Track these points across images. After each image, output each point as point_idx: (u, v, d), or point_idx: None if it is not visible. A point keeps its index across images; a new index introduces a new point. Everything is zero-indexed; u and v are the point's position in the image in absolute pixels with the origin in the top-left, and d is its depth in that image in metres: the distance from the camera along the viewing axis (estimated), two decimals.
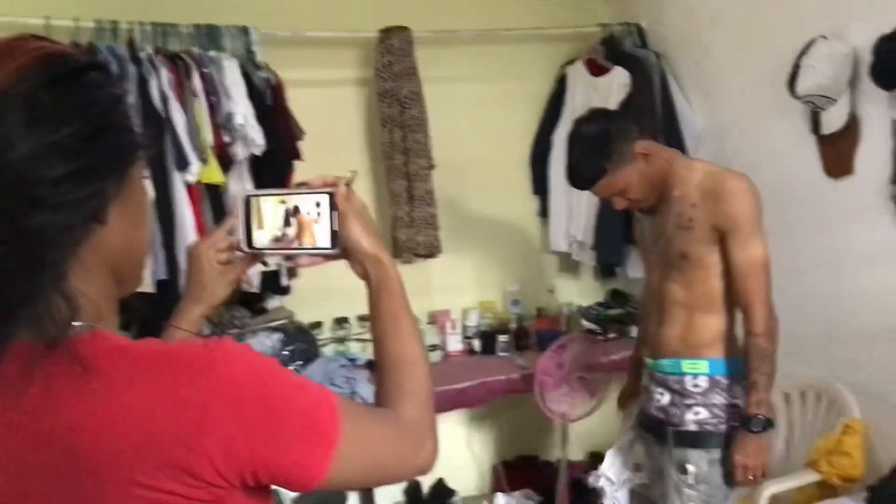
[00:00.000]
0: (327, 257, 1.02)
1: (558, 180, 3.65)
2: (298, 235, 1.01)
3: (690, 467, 2.17)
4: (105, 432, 0.69)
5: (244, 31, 2.92)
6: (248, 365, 0.74)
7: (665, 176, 2.16)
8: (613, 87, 3.37)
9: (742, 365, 2.16)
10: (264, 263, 1.12)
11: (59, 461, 0.70)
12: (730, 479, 2.15)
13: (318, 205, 1.00)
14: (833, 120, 2.60)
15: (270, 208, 1.02)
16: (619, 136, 2.14)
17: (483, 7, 3.57)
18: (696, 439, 2.17)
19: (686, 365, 2.20)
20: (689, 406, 2.18)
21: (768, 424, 2.08)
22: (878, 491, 2.18)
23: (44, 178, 0.67)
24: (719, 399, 2.17)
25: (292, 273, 3.04)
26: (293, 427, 0.75)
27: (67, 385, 0.70)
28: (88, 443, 0.69)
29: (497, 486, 3.57)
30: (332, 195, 0.99)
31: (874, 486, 2.20)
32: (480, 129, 3.63)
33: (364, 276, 1.01)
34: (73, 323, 0.70)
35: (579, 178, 2.24)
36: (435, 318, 3.59)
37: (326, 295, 3.32)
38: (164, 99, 2.59)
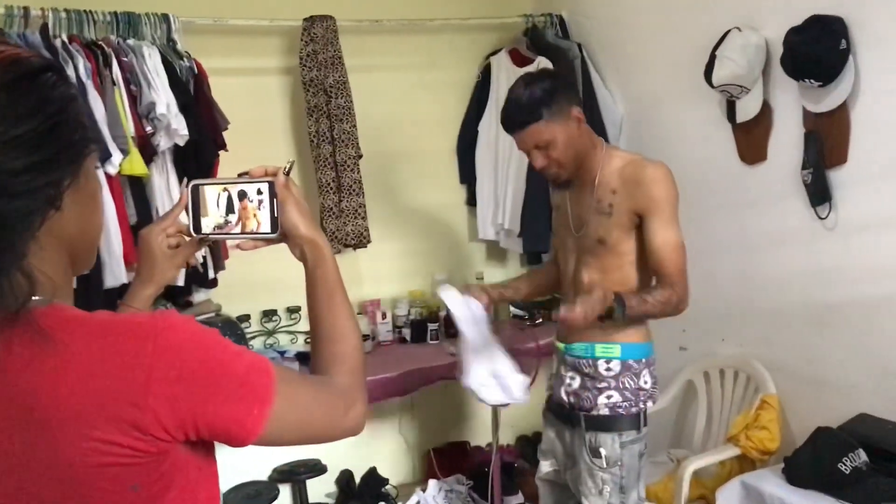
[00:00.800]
0: (268, 241, 1.11)
1: (485, 169, 3.69)
2: (241, 221, 1.09)
3: (603, 451, 2.19)
4: (60, 392, 0.78)
5: (164, 18, 2.85)
6: (190, 332, 0.83)
7: (587, 152, 2.21)
8: None
9: (648, 351, 2.25)
10: (209, 247, 1.17)
11: (20, 418, 0.78)
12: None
13: (259, 192, 1.08)
14: (747, 108, 2.71)
15: (215, 196, 1.10)
16: (564, 92, 2.18)
17: None
18: (608, 423, 2.20)
19: (599, 349, 2.23)
20: (601, 390, 2.21)
21: (621, 313, 2.02)
22: (793, 461, 2.29)
23: (5, 170, 0.76)
24: (631, 383, 2.21)
25: (219, 266, 2.99)
26: (231, 387, 0.84)
27: (27, 352, 0.78)
28: (45, 402, 0.78)
29: (429, 473, 3.61)
30: (271, 183, 1.07)
31: (790, 457, 2.31)
32: (407, 118, 3.63)
33: (302, 257, 1.10)
34: (33, 297, 0.79)
35: (515, 116, 2.19)
36: (364, 308, 3.59)
37: (253, 287, 3.29)
38: (82, 88, 2.50)
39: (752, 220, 2.83)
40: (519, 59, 3.58)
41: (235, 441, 0.85)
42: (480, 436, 3.86)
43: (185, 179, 0.99)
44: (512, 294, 2.59)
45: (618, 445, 2.20)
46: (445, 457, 3.71)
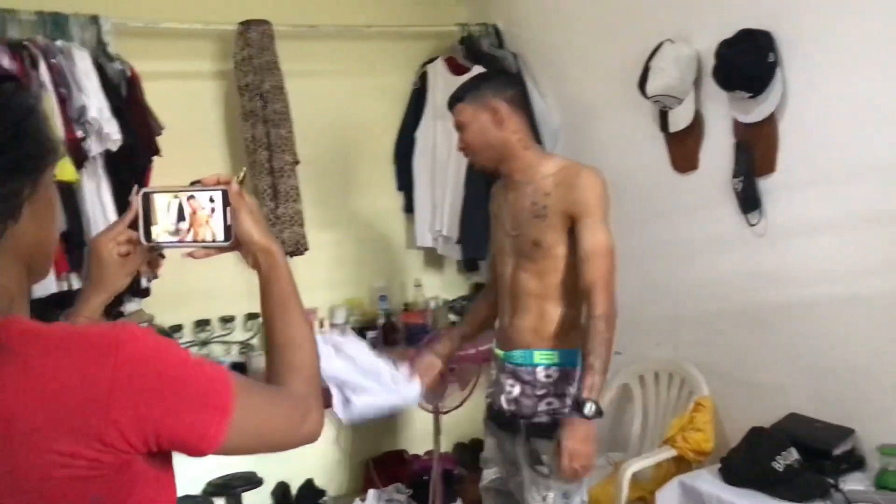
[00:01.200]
0: (220, 249, 1.10)
1: (423, 176, 3.70)
2: (193, 229, 1.08)
3: (545, 457, 2.18)
4: (20, 406, 0.76)
5: (94, 19, 2.76)
6: (149, 344, 0.83)
7: (510, 150, 2.24)
8: None
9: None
10: (161, 256, 1.14)
11: None
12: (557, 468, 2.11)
13: (211, 200, 1.07)
14: (680, 118, 2.79)
15: (165, 204, 1.09)
16: (491, 83, 2.28)
17: (343, 3, 3.56)
18: (549, 429, 2.17)
19: (538, 356, 2.24)
20: (540, 397, 2.20)
21: (599, 412, 2.03)
22: (729, 461, 2.35)
23: None
24: (571, 389, 2.20)
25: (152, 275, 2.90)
26: (191, 398, 0.84)
27: None
28: (4, 415, 0.76)
29: (368, 484, 3.57)
30: (225, 192, 1.07)
31: (726, 457, 2.38)
32: (344, 124, 3.61)
33: (255, 266, 1.09)
34: None
35: (454, 92, 2.31)
36: None
37: (186, 297, 3.21)
38: None
39: (685, 227, 2.91)
40: (455, 68, 3.60)
41: (195, 451, 0.85)
42: (418, 444, 3.85)
43: (136, 187, 0.98)
44: (469, 331, 2.60)
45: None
46: (383, 466, 3.68)
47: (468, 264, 3.84)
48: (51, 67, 2.51)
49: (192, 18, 3.06)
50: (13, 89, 0.82)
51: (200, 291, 3.11)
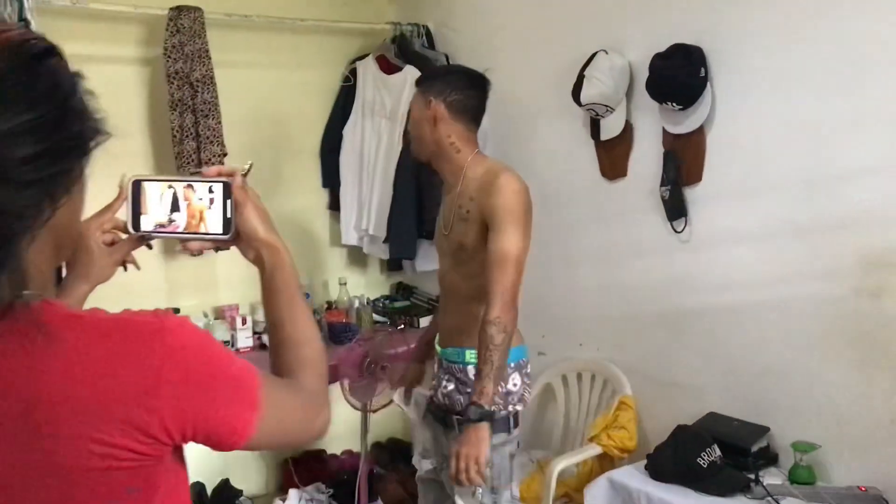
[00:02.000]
0: (217, 243, 1.08)
1: (349, 173, 3.68)
2: (188, 221, 1.05)
3: None
4: (64, 393, 0.74)
5: None
6: (192, 333, 0.82)
7: (441, 150, 2.32)
8: (406, 86, 3.45)
9: (519, 354, 2.33)
10: (149, 247, 1.10)
11: (13, 419, 0.74)
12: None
13: (210, 192, 1.04)
14: (611, 127, 2.88)
15: (158, 193, 1.06)
16: (436, 83, 2.34)
17: None
18: None
19: (469, 354, 2.29)
20: (470, 394, 2.21)
21: (486, 415, 2.05)
22: (655, 457, 2.44)
23: (15, 158, 0.70)
24: (499, 388, 2.21)
25: None
26: (227, 391, 0.83)
27: (23, 349, 0.74)
28: (47, 402, 0.74)
29: (287, 483, 3.52)
30: (227, 184, 1.04)
31: (652, 454, 2.47)
32: (270, 117, 3.55)
33: (257, 261, 1.07)
34: (25, 291, 0.74)
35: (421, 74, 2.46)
36: (222, 313, 3.45)
37: (128, 289, 3.07)
38: None
39: (612, 233, 3.00)
40: (386, 66, 3.60)
41: (225, 445, 0.84)
42: (336, 444, 3.81)
43: (127, 174, 0.93)
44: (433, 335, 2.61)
45: (489, 448, 2.20)
46: (303, 466, 3.64)
47: (392, 264, 3.85)
48: None
49: (121, 1, 2.93)
50: (60, 64, 0.78)
51: (143, 284, 3.00)
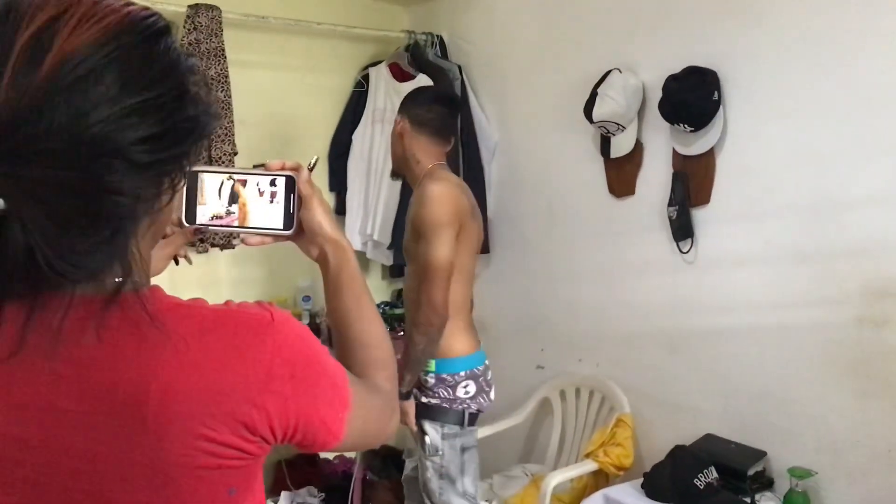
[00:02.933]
0: (278, 237, 1.04)
1: (357, 178, 3.68)
2: (248, 214, 1.01)
3: (427, 438, 2.41)
4: (175, 386, 0.71)
5: None
6: (298, 327, 0.80)
7: (406, 163, 2.53)
8: None
9: (471, 363, 2.46)
10: (201, 240, 1.08)
11: (117, 413, 0.70)
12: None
13: (273, 185, 1.01)
14: (621, 145, 2.89)
15: (217, 184, 1.02)
16: (409, 100, 2.56)
17: None
18: (432, 412, 2.43)
19: (430, 364, 2.45)
20: (426, 398, 2.46)
21: (403, 396, 2.38)
22: (652, 476, 2.45)
23: (133, 138, 0.67)
24: (446, 393, 2.43)
25: None
26: (328, 390, 0.81)
27: (131, 339, 0.71)
28: (157, 396, 0.70)
29: (279, 485, 3.51)
30: (292, 178, 1.01)
31: (649, 472, 2.48)
32: (281, 119, 3.56)
33: (321, 258, 1.04)
34: (133, 279, 0.71)
35: None
36: None
37: None
38: None
39: (617, 250, 3.02)
40: (399, 74, 3.61)
41: (319, 446, 0.82)
42: None
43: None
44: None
45: (440, 435, 2.41)
46: (296, 469, 3.62)
47: (394, 270, 3.85)
48: None
49: None
50: (175, 43, 0.75)
51: None
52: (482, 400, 2.47)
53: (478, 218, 2.53)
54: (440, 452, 2.42)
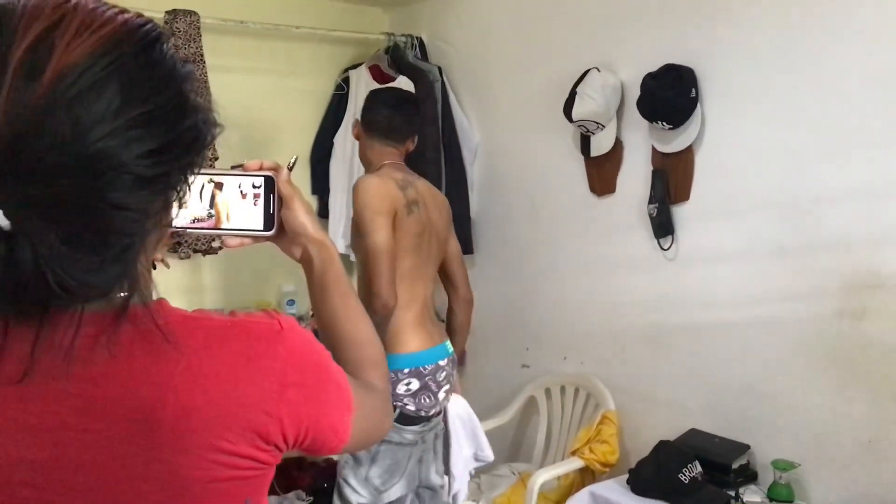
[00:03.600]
0: (258, 239, 1.02)
1: (339, 181, 3.69)
2: (226, 216, 0.99)
3: None
4: (191, 400, 0.70)
5: None
6: (303, 334, 0.79)
7: (365, 162, 2.65)
8: None
9: (416, 360, 2.45)
10: (178, 244, 1.06)
11: (132, 429, 0.69)
12: None
13: (254, 186, 0.99)
14: (601, 143, 2.91)
15: (199, 187, 0.99)
16: (364, 104, 2.64)
17: (268, 2, 3.51)
18: None
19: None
20: None
21: None
22: (638, 472, 2.46)
23: (137, 152, 0.66)
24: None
25: None
26: (334, 394, 0.82)
27: (143, 354, 0.70)
28: (173, 410, 0.69)
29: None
30: (272, 178, 0.99)
31: (634, 468, 2.49)
32: (262, 123, 3.55)
33: (304, 259, 1.02)
34: (140, 292, 0.71)
35: None
36: None
37: None
38: None
39: (599, 248, 3.03)
40: (379, 76, 3.61)
41: (326, 449, 0.82)
42: None
43: None
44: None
45: None
46: (283, 472, 3.62)
47: None
48: None
49: (117, 4, 2.93)
50: (172, 50, 0.72)
51: None
52: (425, 400, 2.43)
53: (424, 214, 2.49)
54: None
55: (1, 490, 0.71)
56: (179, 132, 0.70)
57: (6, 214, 0.61)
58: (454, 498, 2.65)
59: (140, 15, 0.71)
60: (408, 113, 2.61)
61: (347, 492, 2.42)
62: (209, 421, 0.71)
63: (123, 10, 0.70)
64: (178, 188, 0.73)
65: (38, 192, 0.62)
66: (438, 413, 2.54)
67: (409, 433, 2.43)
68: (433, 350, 2.50)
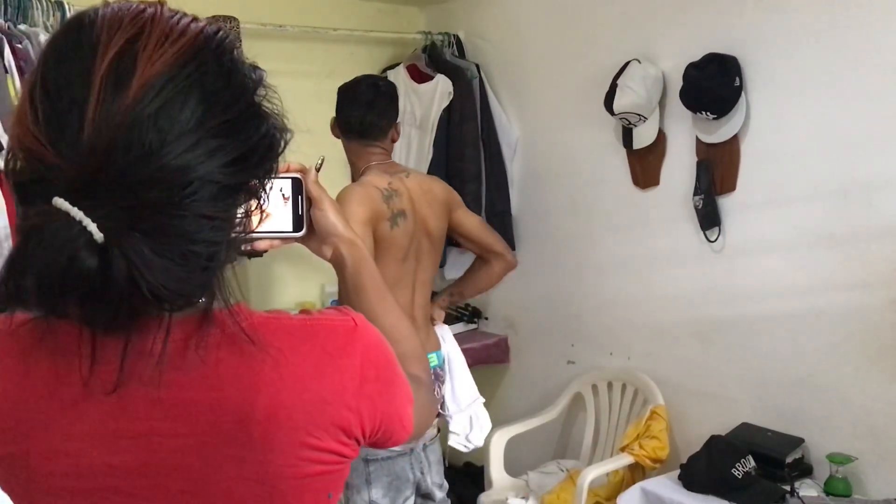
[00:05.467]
0: (287, 240, 1.03)
1: None
2: (257, 219, 1.00)
3: None
4: (279, 399, 0.72)
5: (59, 5, 2.66)
6: (375, 331, 0.82)
7: (350, 161, 2.57)
8: (437, 95, 3.47)
9: None
10: None
11: (223, 431, 0.71)
12: None
13: (280, 188, 1.01)
14: (643, 136, 2.88)
15: None
16: (339, 109, 2.57)
17: (304, 5, 3.53)
18: None
19: None
20: None
21: None
22: (689, 468, 2.43)
23: (222, 161, 0.67)
24: None
25: None
26: (400, 386, 0.83)
27: (230, 356, 0.72)
28: (262, 410, 0.71)
29: None
30: (297, 180, 1.02)
31: (686, 464, 2.46)
32: (302, 125, 3.56)
33: (335, 258, 1.03)
34: (224, 297, 0.72)
35: None
36: None
37: None
38: None
39: (644, 242, 3.00)
40: (417, 75, 3.62)
41: (393, 441, 0.84)
42: None
43: None
44: (457, 298, 2.78)
45: None
46: None
47: None
48: (15, 53, 2.41)
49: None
50: (242, 58, 0.73)
51: None
52: None
53: (412, 223, 2.42)
54: None
55: (93, 496, 0.73)
56: (257, 140, 0.71)
57: (100, 228, 0.62)
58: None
59: (212, 22, 0.72)
60: (382, 107, 2.47)
61: None
62: (297, 418, 0.73)
63: (196, 19, 0.71)
64: (259, 196, 0.75)
65: (130, 204, 0.63)
66: None
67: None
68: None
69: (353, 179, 2.54)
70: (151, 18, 0.67)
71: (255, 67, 0.75)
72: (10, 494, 0.77)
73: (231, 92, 0.69)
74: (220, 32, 0.72)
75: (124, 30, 0.65)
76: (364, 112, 2.46)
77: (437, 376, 2.52)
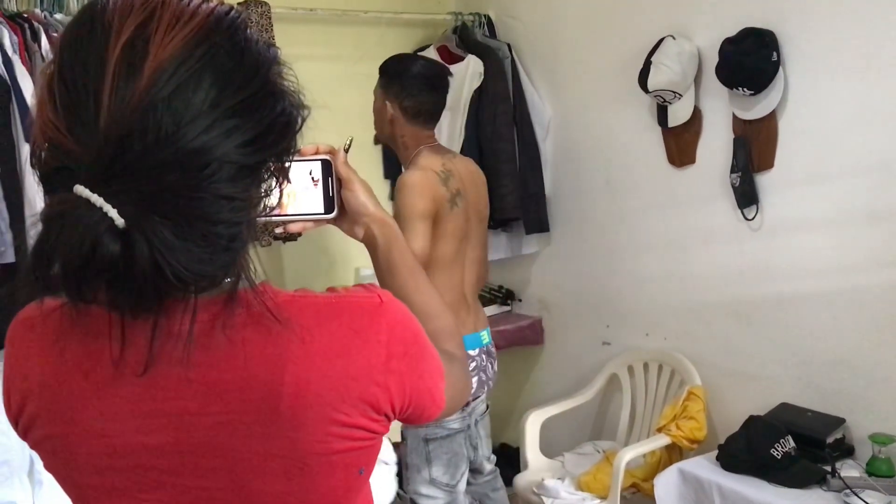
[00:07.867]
0: (319, 222, 1.04)
1: None
2: (288, 202, 1.00)
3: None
4: (307, 376, 0.73)
5: None
6: (401, 306, 0.81)
7: (395, 142, 2.55)
8: (468, 75, 3.45)
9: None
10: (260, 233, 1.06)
11: (252, 409, 0.72)
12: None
13: (310, 170, 1.02)
14: (679, 113, 2.83)
15: None
16: (397, 81, 2.52)
17: None
18: None
19: None
20: None
21: None
22: (727, 448, 2.41)
23: (239, 142, 0.67)
24: None
25: None
26: (431, 362, 0.83)
27: (257, 335, 0.73)
28: (291, 388, 0.72)
29: None
30: (328, 162, 1.02)
31: (724, 444, 2.44)
32: (333, 109, 3.55)
33: (367, 238, 1.04)
34: (248, 276, 0.72)
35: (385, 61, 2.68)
36: None
37: None
38: (8, 63, 2.32)
39: (680, 220, 2.96)
40: (448, 57, 3.59)
41: (425, 416, 0.84)
42: None
43: None
44: None
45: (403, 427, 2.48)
46: None
47: None
48: (52, 41, 2.44)
49: None
50: (255, 36, 0.72)
51: None
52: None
53: (466, 203, 2.48)
54: (405, 441, 2.48)
55: (130, 474, 0.75)
56: (273, 118, 0.71)
57: (120, 213, 0.62)
58: None
59: (222, 2, 0.72)
60: (447, 90, 2.55)
61: (424, 502, 2.47)
62: (325, 395, 0.73)
63: (206, 0, 0.70)
64: (278, 175, 0.75)
65: (149, 188, 0.63)
66: (475, 398, 2.56)
67: (452, 422, 2.46)
68: (467, 339, 2.48)
69: (402, 161, 2.59)
70: (162, 2, 0.67)
71: (269, 45, 0.75)
72: (53, 474, 0.79)
73: (244, 72, 0.69)
74: (231, 12, 0.71)
75: (135, 15, 0.66)
76: (439, 98, 2.52)
77: (489, 353, 2.55)
